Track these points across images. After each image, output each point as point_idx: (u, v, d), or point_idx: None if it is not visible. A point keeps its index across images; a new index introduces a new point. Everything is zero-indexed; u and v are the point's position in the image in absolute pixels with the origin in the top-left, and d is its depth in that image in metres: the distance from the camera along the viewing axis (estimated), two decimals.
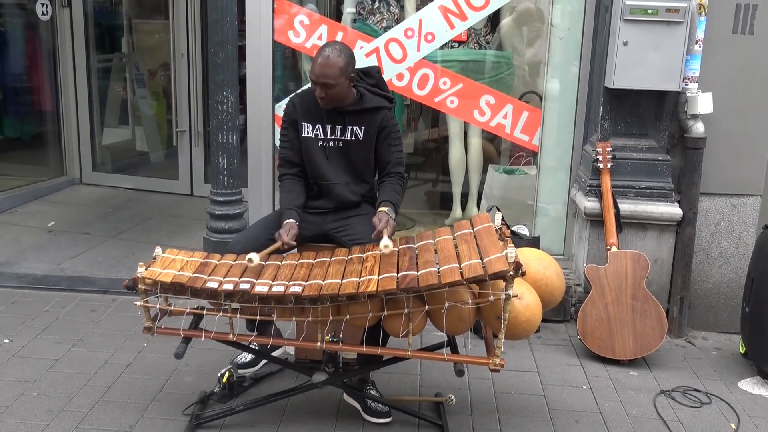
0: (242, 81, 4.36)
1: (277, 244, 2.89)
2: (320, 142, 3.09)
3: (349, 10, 4.73)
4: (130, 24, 6.53)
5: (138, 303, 2.69)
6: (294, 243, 2.93)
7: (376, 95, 3.10)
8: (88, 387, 3.23)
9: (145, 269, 2.66)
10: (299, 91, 3.24)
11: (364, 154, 3.11)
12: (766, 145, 3.92)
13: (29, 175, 6.06)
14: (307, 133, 3.09)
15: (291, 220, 2.98)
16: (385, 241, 2.69)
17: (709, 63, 3.79)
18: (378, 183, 3.19)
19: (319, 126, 3.08)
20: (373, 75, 3.15)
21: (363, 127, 3.07)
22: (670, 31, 3.64)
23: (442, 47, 4.41)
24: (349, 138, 3.08)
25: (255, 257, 2.70)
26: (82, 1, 6.09)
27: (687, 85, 3.76)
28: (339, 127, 3.07)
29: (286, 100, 3.21)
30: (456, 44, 4.56)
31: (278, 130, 4.25)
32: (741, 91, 3.84)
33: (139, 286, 2.64)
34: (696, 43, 3.72)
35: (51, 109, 6.18)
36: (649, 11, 3.62)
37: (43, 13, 5.90)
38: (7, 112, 6.21)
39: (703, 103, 3.74)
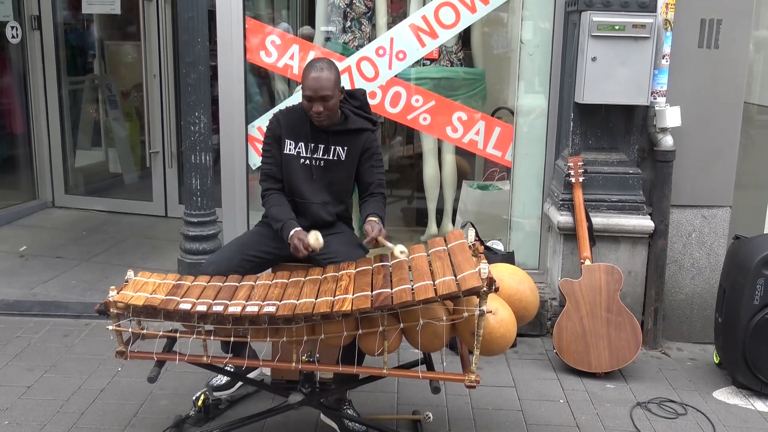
0: (215, 101, 4.36)
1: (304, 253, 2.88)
2: (302, 160, 3.10)
3: (322, 28, 4.74)
4: (102, 46, 6.50)
5: (110, 327, 2.65)
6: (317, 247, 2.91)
7: (361, 117, 3.12)
8: (61, 414, 3.18)
9: (117, 293, 2.64)
10: (283, 107, 3.23)
11: (345, 174, 3.13)
12: (735, 157, 3.98)
13: (0, 199, 5.98)
14: (289, 150, 3.10)
15: (298, 228, 2.95)
16: (400, 248, 2.73)
17: (677, 77, 3.85)
18: (360, 202, 3.19)
19: (302, 144, 3.09)
20: (358, 97, 3.17)
21: (346, 148, 3.08)
22: (637, 47, 3.70)
23: (413, 65, 4.43)
24: (330, 158, 3.09)
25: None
26: (52, 23, 6.06)
27: (655, 99, 3.82)
28: (322, 146, 3.08)
29: (266, 115, 3.18)
30: (428, 62, 4.59)
31: (251, 149, 4.25)
32: (708, 104, 3.90)
33: (111, 310, 2.61)
34: (663, 58, 3.78)
35: (22, 131, 6.12)
36: (616, 27, 3.68)
37: (12, 36, 5.85)
38: None
39: (671, 116, 3.79)
